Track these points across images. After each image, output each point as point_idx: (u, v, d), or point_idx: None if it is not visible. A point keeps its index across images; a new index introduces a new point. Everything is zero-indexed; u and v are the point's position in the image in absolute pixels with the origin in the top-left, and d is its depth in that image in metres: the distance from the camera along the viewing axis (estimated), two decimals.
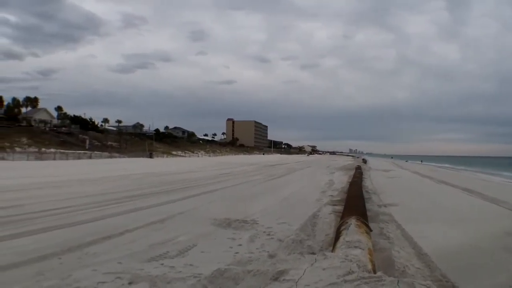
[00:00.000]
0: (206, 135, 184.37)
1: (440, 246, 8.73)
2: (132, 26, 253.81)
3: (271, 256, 7.14)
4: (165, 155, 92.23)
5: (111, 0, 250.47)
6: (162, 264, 7.06)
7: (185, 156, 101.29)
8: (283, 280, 5.29)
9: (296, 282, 5.10)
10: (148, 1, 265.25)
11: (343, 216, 9.72)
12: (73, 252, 7.83)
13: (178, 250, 8.12)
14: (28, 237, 9.13)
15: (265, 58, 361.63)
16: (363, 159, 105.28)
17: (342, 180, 29.22)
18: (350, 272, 5.22)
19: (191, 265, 6.99)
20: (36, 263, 7.06)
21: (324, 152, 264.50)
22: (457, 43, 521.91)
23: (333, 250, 6.99)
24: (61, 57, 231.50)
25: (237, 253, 7.99)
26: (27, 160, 51.99)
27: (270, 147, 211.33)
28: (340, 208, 13.56)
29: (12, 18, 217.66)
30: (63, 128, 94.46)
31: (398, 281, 4.80)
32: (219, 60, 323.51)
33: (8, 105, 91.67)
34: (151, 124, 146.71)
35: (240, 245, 8.70)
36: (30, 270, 6.63)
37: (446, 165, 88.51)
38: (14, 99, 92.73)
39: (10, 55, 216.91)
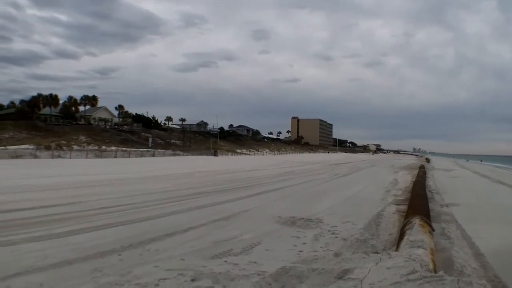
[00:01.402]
0: (271, 133, 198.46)
1: (496, 246, 9.20)
2: (193, 26, 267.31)
3: (336, 255, 7.56)
4: (229, 153, 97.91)
5: (169, 0, 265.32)
6: (226, 261, 7.52)
7: (249, 154, 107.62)
8: (348, 278, 5.70)
9: (361, 281, 5.47)
10: (207, 0, 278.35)
11: (407, 216, 10.50)
12: (134, 249, 8.37)
13: (242, 248, 8.62)
14: (87, 233, 9.79)
15: (329, 56, 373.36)
16: (426, 158, 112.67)
17: (406, 179, 31.16)
18: (413, 272, 5.60)
19: (255, 262, 7.44)
20: (93, 259, 7.52)
21: (388, 151, 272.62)
22: (509, 42, 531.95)
23: (397, 249, 7.51)
24: (119, 56, 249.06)
25: (301, 251, 8.47)
26: (86, 158, 55.96)
27: (335, 145, 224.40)
28: (404, 207, 14.47)
29: (63, 17, 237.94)
30: (125, 127, 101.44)
31: (458, 280, 5.14)
32: (283, 58, 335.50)
33: (64, 104, 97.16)
34: (215, 122, 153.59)
35: (305, 243, 9.23)
36: (86, 266, 7.07)
37: (505, 165, 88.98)
38: (70, 98, 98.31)
39: (64, 54, 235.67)
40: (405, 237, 7.82)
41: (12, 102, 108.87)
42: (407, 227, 8.67)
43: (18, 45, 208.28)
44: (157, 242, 9.00)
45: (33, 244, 8.61)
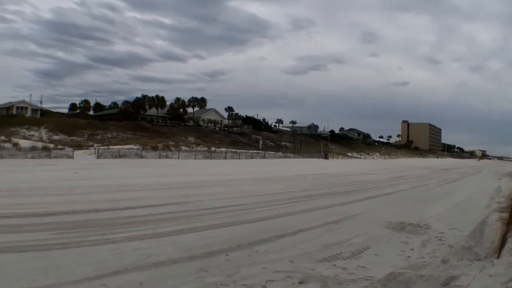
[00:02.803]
0: (381, 137, 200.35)
1: None
2: (301, 29, 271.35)
3: (444, 262, 7.85)
4: (340, 157, 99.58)
5: (276, 3, 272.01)
6: (335, 265, 7.68)
7: (360, 158, 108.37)
8: (454, 285, 5.94)
9: None
10: (314, 3, 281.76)
11: (509, 223, 11.02)
12: (243, 250, 8.65)
13: (352, 252, 8.80)
14: (195, 233, 10.22)
15: (436, 60, 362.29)
16: None
17: (509, 186, 31.16)
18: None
19: (363, 267, 7.57)
20: (200, 259, 7.81)
21: (492, 157, 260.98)
22: None
23: (498, 257, 7.80)
24: (228, 59, 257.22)
25: (409, 257, 8.58)
26: (195, 158, 57.88)
27: (443, 150, 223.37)
28: (506, 215, 14.82)
29: (166, 20, 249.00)
30: (235, 128, 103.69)
31: None
32: (391, 61, 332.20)
33: (171, 105, 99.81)
34: (326, 125, 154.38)
35: (413, 249, 9.34)
36: (192, 266, 7.34)
37: None
38: (178, 99, 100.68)
39: (170, 57, 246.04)
40: (506, 245, 8.20)
41: (115, 103, 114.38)
42: (508, 234, 9.13)
43: (120, 47, 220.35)
44: (267, 244, 9.28)
45: (136, 242, 9.01)
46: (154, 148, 59.59)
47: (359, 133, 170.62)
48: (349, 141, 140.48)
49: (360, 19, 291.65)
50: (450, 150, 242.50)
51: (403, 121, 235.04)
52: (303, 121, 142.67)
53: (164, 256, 7.92)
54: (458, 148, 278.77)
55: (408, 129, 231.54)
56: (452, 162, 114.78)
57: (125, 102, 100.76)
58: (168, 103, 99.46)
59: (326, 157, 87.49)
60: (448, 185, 31.01)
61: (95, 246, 8.72)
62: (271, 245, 9.17)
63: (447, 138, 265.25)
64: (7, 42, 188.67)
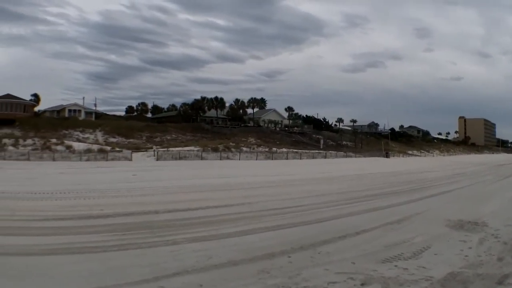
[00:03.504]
0: (440, 133, 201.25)
1: None
2: (355, 26, 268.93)
3: (499, 260, 8.04)
4: (400, 155, 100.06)
5: (329, 1, 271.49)
6: (396, 265, 7.74)
7: (420, 156, 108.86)
8: (508, 284, 6.23)
9: None
10: (367, 0, 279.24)
11: None
12: (305, 251, 8.70)
13: (413, 252, 8.83)
14: (256, 234, 10.34)
15: (486, 53, 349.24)
16: None
17: None
18: None
19: (423, 267, 7.63)
20: (261, 260, 7.89)
21: None
22: None
23: None
24: (285, 59, 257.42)
25: (467, 256, 8.59)
26: (256, 159, 58.75)
27: (498, 146, 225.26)
28: None
29: (220, 22, 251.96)
30: (295, 128, 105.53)
31: None
32: (445, 56, 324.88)
33: (231, 106, 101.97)
34: (386, 123, 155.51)
35: (470, 248, 9.34)
36: (253, 267, 7.41)
37: None
38: (237, 100, 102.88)
39: (227, 58, 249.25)
40: None
41: (173, 105, 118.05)
42: None
43: (175, 50, 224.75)
44: (329, 245, 9.33)
45: (196, 244, 9.14)
46: (215, 150, 60.59)
47: (418, 130, 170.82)
48: (409, 139, 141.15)
49: (413, 14, 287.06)
50: (504, 146, 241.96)
51: (460, 117, 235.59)
52: (363, 119, 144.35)
53: (225, 258, 8.00)
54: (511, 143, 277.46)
55: (465, 125, 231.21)
56: (506, 158, 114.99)
57: (184, 104, 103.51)
58: (227, 104, 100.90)
59: (387, 156, 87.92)
60: (504, 181, 31.63)
61: (154, 247, 8.87)
62: (333, 246, 9.22)
63: (501, 133, 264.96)
64: (52, 44, 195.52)
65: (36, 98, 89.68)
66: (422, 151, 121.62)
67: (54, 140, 53.96)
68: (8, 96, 73.43)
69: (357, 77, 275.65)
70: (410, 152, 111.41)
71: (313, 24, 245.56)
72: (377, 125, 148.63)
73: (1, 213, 12.80)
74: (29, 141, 52.56)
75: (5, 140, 51.29)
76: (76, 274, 7.06)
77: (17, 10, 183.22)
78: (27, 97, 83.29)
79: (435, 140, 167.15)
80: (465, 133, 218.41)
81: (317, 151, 78.05)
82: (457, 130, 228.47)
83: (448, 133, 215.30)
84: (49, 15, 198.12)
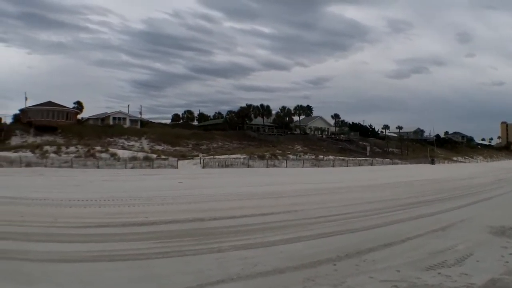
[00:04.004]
0: (483, 139, 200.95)
1: None
2: (399, 31, 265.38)
3: None
4: (445, 161, 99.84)
5: (372, 7, 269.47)
6: (439, 273, 7.85)
7: (465, 162, 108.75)
8: None
9: None
10: (409, 5, 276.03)
11: None
12: (350, 259, 8.80)
13: (456, 259, 8.94)
14: (303, 242, 10.47)
15: None
16: None
17: None
18: None
19: (466, 274, 7.76)
20: (307, 268, 7.99)
21: None
22: None
23: None
24: (331, 66, 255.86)
25: (507, 262, 8.72)
26: (302, 167, 59.02)
27: None
28: None
29: (265, 29, 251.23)
30: (342, 136, 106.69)
31: None
32: (486, 61, 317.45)
33: (277, 114, 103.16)
34: (432, 129, 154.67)
35: (511, 254, 9.40)
36: (299, 275, 7.52)
37: None
38: (283, 108, 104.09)
39: (273, 66, 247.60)
40: None
41: (219, 113, 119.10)
42: None
43: (220, 58, 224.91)
44: (374, 252, 9.45)
45: (242, 251, 9.29)
46: (261, 157, 60.86)
47: (462, 136, 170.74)
48: (454, 145, 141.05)
49: (454, 19, 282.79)
50: None
51: (502, 122, 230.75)
52: (408, 126, 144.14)
53: (271, 266, 8.11)
54: None
55: (507, 130, 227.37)
56: None
57: (230, 111, 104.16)
58: (273, 112, 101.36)
59: (432, 162, 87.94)
60: None
61: (199, 255, 9.02)
62: (379, 254, 9.34)
63: None
64: (95, 52, 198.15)
65: (79, 105, 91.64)
66: (466, 157, 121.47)
67: (98, 148, 54.80)
68: (50, 103, 75.18)
69: (401, 83, 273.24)
70: (454, 158, 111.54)
71: (357, 30, 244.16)
72: (422, 131, 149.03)
73: (43, 220, 13.16)
74: (72, 149, 53.57)
75: (47, 147, 52.27)
76: (117, 281, 7.29)
77: (56, 17, 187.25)
78: (70, 104, 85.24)
79: (479, 146, 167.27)
80: (507, 138, 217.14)
81: (363, 158, 78.25)
82: (500, 136, 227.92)
83: (491, 139, 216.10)
84: (91, 23, 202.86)
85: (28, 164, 43.76)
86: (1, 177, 30.28)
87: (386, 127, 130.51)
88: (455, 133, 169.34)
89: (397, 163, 77.86)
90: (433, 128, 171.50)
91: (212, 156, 58.04)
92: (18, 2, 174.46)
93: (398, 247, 10.15)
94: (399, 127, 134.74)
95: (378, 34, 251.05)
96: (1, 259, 8.49)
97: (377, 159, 79.25)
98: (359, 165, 67.51)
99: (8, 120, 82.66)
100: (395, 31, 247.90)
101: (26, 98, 77.95)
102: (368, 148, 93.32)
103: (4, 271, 7.75)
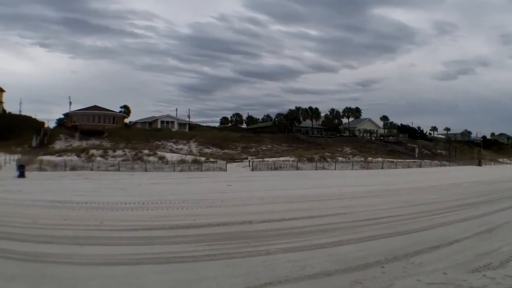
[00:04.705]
0: None
1: None
2: (445, 33, 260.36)
3: None
4: (492, 162, 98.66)
5: (418, 9, 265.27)
6: (484, 275, 7.94)
7: (510, 163, 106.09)
8: None
9: None
10: (454, 7, 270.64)
11: None
12: (398, 261, 8.88)
13: (500, 261, 9.03)
14: (351, 245, 10.58)
15: None
16: None
17: None
18: None
19: (509, 276, 7.89)
20: (355, 271, 8.09)
21: None
22: None
23: None
24: (379, 68, 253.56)
25: None
26: (352, 169, 59.00)
27: None
28: None
29: (312, 32, 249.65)
30: (390, 138, 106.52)
31: None
32: None
33: (326, 116, 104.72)
34: (478, 130, 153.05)
35: None
36: (347, 278, 7.63)
37: None
38: (332, 110, 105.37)
39: (321, 68, 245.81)
40: None
41: (268, 116, 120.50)
42: None
43: (268, 61, 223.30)
44: (422, 255, 9.52)
45: (290, 254, 9.37)
46: (310, 160, 60.86)
47: (508, 137, 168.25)
48: (500, 147, 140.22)
49: (498, 21, 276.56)
50: None
51: None
52: (456, 128, 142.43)
53: (319, 268, 8.23)
54: None
55: None
56: None
57: (278, 114, 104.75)
58: (322, 114, 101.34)
59: (479, 164, 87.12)
60: None
61: (247, 258, 9.13)
62: (426, 257, 9.40)
63: None
64: (142, 57, 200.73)
65: (126, 109, 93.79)
66: None
67: (146, 151, 55.48)
68: (96, 107, 77.34)
69: (449, 84, 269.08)
70: (500, 160, 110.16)
71: (404, 32, 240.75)
72: (469, 133, 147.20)
73: (88, 223, 13.41)
74: (119, 152, 54.31)
75: (93, 151, 53.18)
76: (164, 284, 7.46)
77: (100, 23, 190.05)
78: (116, 108, 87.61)
79: None
80: None
81: (412, 160, 78.23)
82: None
83: None
84: (137, 28, 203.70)
85: (73, 168, 44.51)
86: (45, 180, 30.84)
87: (434, 129, 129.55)
88: (500, 134, 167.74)
89: (445, 165, 77.67)
90: (480, 129, 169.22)
91: (261, 159, 58.22)
92: (59, 8, 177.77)
93: (445, 250, 10.21)
94: (447, 129, 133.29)
95: (425, 36, 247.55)
96: (45, 263, 8.69)
97: (425, 161, 79.14)
98: (408, 167, 67.84)
99: (51, 124, 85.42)
100: (441, 33, 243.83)
101: (70, 103, 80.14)
102: (417, 150, 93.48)
103: (48, 275, 7.96)
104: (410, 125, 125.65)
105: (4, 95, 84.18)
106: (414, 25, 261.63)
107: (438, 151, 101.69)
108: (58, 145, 62.43)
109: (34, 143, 60.66)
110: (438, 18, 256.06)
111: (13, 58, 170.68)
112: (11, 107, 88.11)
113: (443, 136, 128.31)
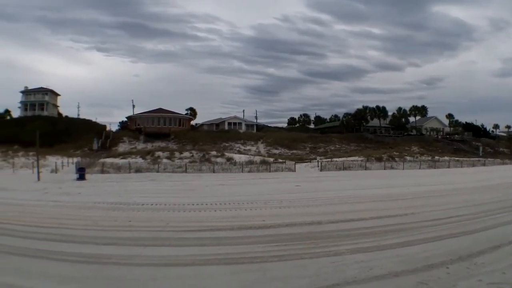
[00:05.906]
0: None
1: None
2: (500, 30, 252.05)
3: None
4: None
5: (473, 6, 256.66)
6: None
7: None
8: None
9: None
10: (506, 4, 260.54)
11: None
12: (462, 262, 8.99)
13: None
14: (418, 245, 10.69)
15: None
16: None
17: None
18: None
19: None
20: (421, 272, 8.24)
21: None
22: None
23: None
24: (441, 65, 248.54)
25: None
26: (419, 168, 58.35)
27: None
28: None
29: (376, 31, 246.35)
30: (456, 136, 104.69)
31: None
32: None
33: (393, 115, 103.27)
34: None
35: None
36: (413, 279, 7.79)
37: None
38: (399, 109, 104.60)
39: (386, 67, 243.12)
40: None
41: (335, 116, 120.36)
42: None
43: (334, 61, 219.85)
44: (484, 255, 9.65)
45: (358, 255, 9.54)
46: (379, 159, 60.68)
47: None
48: None
49: None
50: None
51: None
52: None
53: (386, 269, 8.41)
54: None
55: None
56: None
57: (346, 114, 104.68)
58: (389, 113, 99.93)
59: None
60: None
61: (316, 258, 9.31)
62: (489, 256, 9.54)
63: None
64: (206, 60, 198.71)
65: (192, 112, 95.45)
66: None
67: (213, 153, 55.76)
68: (160, 110, 78.65)
69: (508, 81, 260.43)
70: None
71: (463, 29, 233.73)
72: None
73: (153, 225, 13.75)
74: (186, 154, 54.78)
75: (159, 153, 54.01)
76: (232, 284, 7.71)
77: (159, 26, 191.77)
78: (182, 111, 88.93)
79: None
80: None
81: (476, 158, 76.98)
82: None
83: None
84: (199, 31, 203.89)
85: (138, 170, 44.86)
86: (107, 183, 31.48)
87: (496, 126, 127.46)
88: None
89: (507, 163, 75.97)
90: None
91: (329, 159, 58.00)
92: (113, 12, 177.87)
93: (507, 249, 10.31)
94: (508, 126, 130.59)
95: (482, 33, 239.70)
96: (104, 264, 9.01)
97: (489, 159, 77.79)
98: (472, 166, 66.65)
99: (113, 128, 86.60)
100: (496, 30, 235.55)
101: (133, 106, 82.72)
102: (481, 148, 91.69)
103: (106, 276, 8.26)
104: (474, 123, 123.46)
105: (59, 99, 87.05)
106: (472, 22, 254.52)
107: (501, 149, 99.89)
108: (122, 147, 64.34)
109: (95, 146, 62.91)
110: (491, 14, 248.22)
111: (66, 62, 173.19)
112: (67, 111, 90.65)
113: (505, 134, 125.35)
